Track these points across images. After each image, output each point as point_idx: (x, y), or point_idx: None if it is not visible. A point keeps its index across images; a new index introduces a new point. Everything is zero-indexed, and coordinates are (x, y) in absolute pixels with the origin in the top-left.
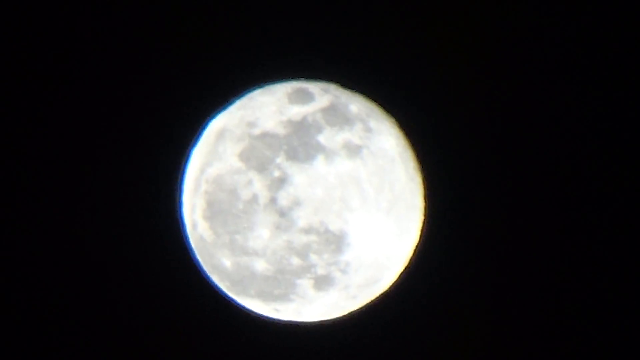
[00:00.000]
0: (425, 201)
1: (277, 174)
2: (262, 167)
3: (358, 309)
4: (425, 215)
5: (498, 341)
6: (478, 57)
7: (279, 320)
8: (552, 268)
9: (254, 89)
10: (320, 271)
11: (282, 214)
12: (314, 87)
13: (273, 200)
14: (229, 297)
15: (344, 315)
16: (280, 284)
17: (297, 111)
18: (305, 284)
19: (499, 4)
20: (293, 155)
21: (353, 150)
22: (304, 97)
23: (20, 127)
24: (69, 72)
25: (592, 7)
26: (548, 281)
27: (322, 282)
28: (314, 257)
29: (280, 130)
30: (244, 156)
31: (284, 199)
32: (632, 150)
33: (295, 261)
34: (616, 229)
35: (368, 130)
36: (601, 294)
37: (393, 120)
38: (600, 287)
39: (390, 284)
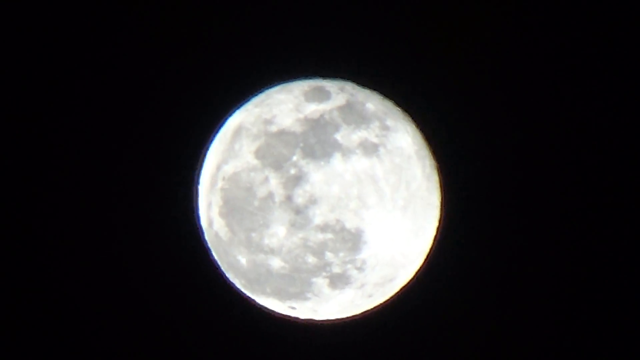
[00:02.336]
0: (442, 199)
1: (293, 171)
2: (278, 164)
3: (374, 308)
4: (442, 214)
5: (514, 340)
6: (495, 55)
7: (294, 318)
8: (570, 266)
9: (271, 87)
10: (336, 269)
11: (298, 211)
12: (330, 86)
13: (289, 198)
14: (245, 295)
15: (360, 314)
16: (296, 282)
17: (314, 109)
18: (321, 282)
19: (515, 3)
20: (310, 153)
21: (370, 148)
22: (321, 95)
23: (45, 122)
24: (90, 73)
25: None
26: (565, 279)
27: (338, 281)
28: (329, 255)
29: (297, 128)
30: (261, 154)
31: (300, 196)
32: None
33: (311, 259)
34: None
35: (385, 128)
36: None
37: (410, 118)
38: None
39: (407, 282)
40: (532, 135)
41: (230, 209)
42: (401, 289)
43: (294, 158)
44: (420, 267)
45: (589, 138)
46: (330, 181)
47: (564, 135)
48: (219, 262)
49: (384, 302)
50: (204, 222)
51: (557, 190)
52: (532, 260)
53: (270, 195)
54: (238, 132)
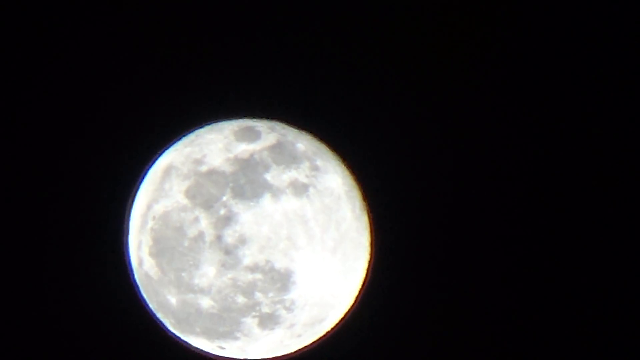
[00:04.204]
0: (372, 240)
1: (223, 211)
2: (208, 204)
3: (303, 348)
4: (371, 254)
5: None
6: (423, 97)
7: (224, 357)
8: (501, 308)
9: (201, 127)
10: (266, 309)
11: (228, 251)
12: (260, 125)
13: (219, 238)
14: (174, 335)
15: (289, 354)
16: (225, 321)
17: (244, 149)
18: (250, 322)
19: (434, 46)
20: (240, 193)
21: (300, 188)
22: (251, 135)
23: None
24: (17, 119)
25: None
26: (497, 320)
27: (268, 320)
28: (259, 295)
29: (227, 168)
30: (191, 193)
31: (229, 236)
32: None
33: (241, 299)
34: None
35: (315, 168)
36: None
37: (340, 158)
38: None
39: (336, 323)
40: (461, 179)
41: (161, 248)
42: (330, 330)
43: (224, 198)
44: (350, 308)
45: (516, 179)
46: (260, 221)
47: (491, 178)
48: (149, 302)
49: (313, 342)
50: (134, 262)
51: (485, 232)
52: (461, 301)
53: (201, 235)
54: (168, 171)
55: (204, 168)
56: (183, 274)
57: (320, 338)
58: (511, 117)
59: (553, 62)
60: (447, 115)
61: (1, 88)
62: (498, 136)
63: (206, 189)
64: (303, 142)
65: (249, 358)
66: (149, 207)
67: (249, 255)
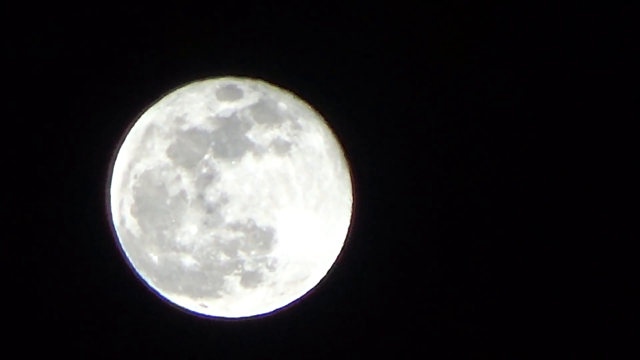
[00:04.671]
0: (354, 198)
1: (205, 170)
2: (190, 163)
3: (286, 306)
4: (353, 213)
5: (426, 337)
6: (406, 54)
7: (206, 316)
8: (480, 267)
9: (183, 85)
10: (248, 267)
11: (210, 210)
12: (242, 84)
13: (201, 197)
14: (157, 293)
15: (272, 312)
16: (207, 280)
17: (226, 108)
18: (232, 280)
19: (418, 13)
20: (221, 152)
21: (281, 147)
22: (233, 94)
23: None
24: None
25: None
26: (476, 278)
27: (250, 279)
28: (241, 254)
29: (209, 127)
30: (172, 152)
31: (211, 195)
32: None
33: (223, 257)
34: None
35: (297, 127)
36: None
37: (321, 117)
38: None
39: (318, 281)
40: (444, 134)
41: (142, 207)
42: (313, 288)
43: (206, 157)
44: (332, 266)
45: (498, 138)
46: (242, 180)
47: (475, 136)
48: (131, 260)
49: (296, 300)
50: (116, 220)
51: (468, 190)
52: (443, 259)
53: (182, 194)
54: (150, 130)
55: (185, 127)
56: (165, 232)
57: (303, 296)
58: (492, 89)
59: (534, 62)
60: (431, 73)
61: None
62: (481, 101)
63: (188, 148)
64: (285, 101)
65: (231, 317)
66: (131, 166)
67: (231, 214)
